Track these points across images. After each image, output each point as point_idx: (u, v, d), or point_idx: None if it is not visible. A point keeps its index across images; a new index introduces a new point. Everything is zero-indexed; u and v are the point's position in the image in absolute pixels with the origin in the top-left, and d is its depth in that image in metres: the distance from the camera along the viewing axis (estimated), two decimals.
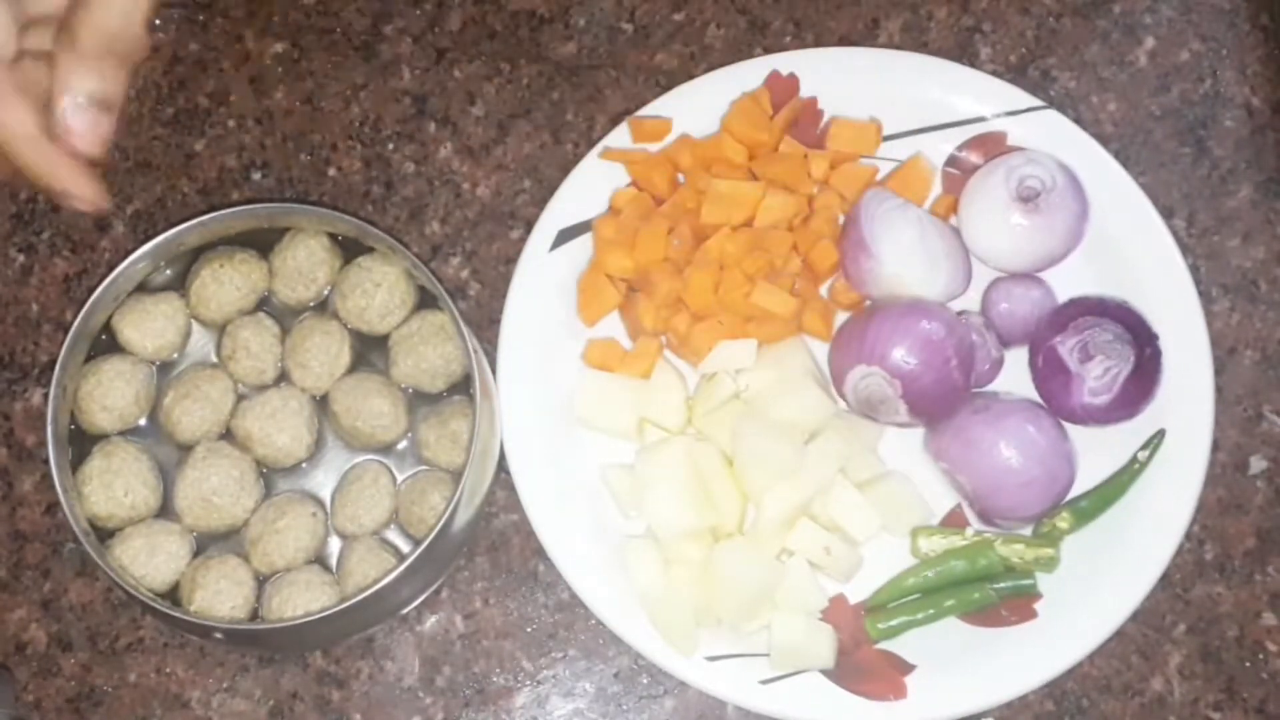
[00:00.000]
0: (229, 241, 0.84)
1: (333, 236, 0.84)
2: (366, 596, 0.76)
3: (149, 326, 0.82)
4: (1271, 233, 0.91)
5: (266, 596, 0.80)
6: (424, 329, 0.82)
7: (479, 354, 0.81)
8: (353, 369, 0.84)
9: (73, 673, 0.86)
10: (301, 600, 0.79)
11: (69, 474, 0.79)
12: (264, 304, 0.85)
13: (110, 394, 0.81)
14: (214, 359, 0.84)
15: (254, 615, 0.80)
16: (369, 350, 0.84)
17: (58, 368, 0.79)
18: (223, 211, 0.82)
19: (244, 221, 0.83)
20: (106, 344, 0.83)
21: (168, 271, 0.84)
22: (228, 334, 0.83)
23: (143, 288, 0.83)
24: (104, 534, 0.80)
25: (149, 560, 0.79)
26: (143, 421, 0.83)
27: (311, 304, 0.85)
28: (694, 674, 0.82)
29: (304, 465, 0.83)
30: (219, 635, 0.78)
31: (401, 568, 0.76)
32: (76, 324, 0.79)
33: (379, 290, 0.82)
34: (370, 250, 0.84)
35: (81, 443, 0.81)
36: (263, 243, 0.85)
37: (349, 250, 0.84)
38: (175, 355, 0.84)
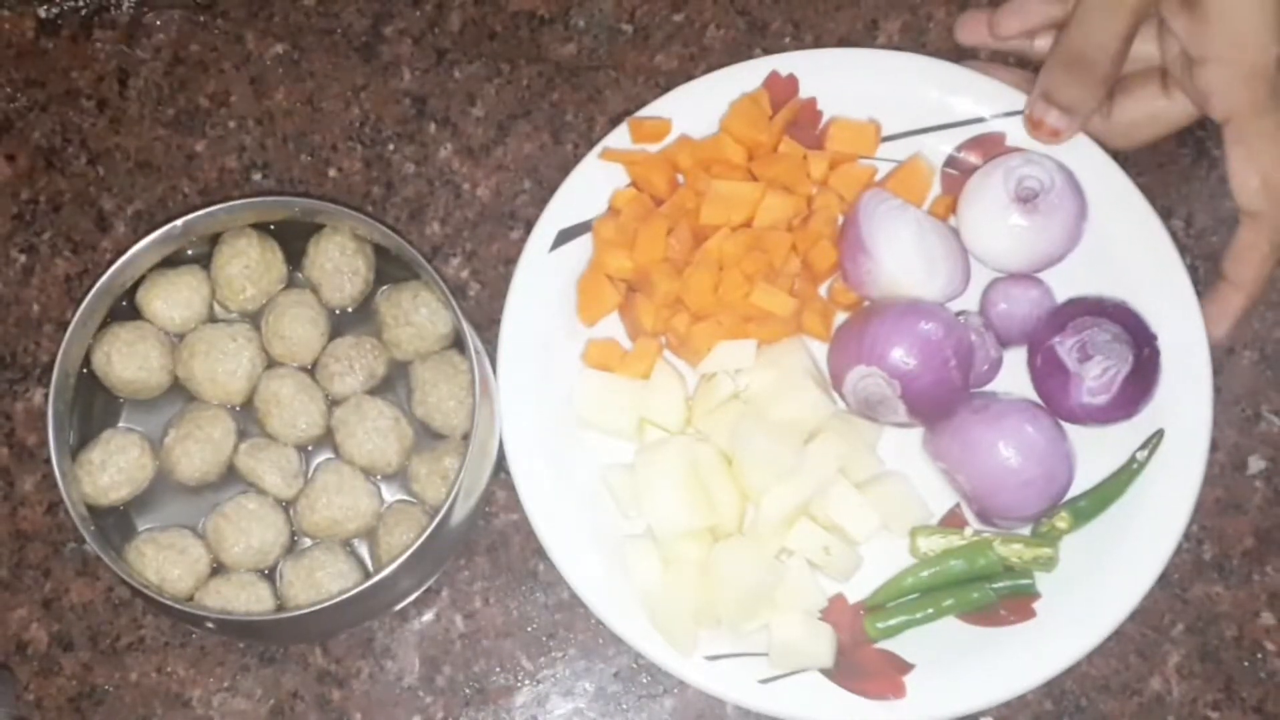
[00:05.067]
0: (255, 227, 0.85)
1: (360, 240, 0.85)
2: (363, 589, 0.76)
3: (175, 297, 0.83)
4: None
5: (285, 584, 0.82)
6: (445, 368, 0.83)
7: (480, 354, 0.81)
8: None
9: (74, 672, 0.86)
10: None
11: (68, 456, 0.80)
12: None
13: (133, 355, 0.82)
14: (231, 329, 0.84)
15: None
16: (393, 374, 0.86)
17: (71, 327, 0.80)
18: (263, 199, 0.84)
19: (274, 212, 0.84)
20: (126, 312, 0.84)
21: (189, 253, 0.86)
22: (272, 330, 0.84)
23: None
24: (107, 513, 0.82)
25: (167, 570, 0.80)
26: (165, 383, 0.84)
27: (347, 308, 0.86)
28: (693, 673, 0.82)
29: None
30: (210, 625, 0.79)
31: (400, 560, 0.76)
32: (100, 284, 0.81)
33: (425, 325, 0.83)
34: (411, 271, 0.84)
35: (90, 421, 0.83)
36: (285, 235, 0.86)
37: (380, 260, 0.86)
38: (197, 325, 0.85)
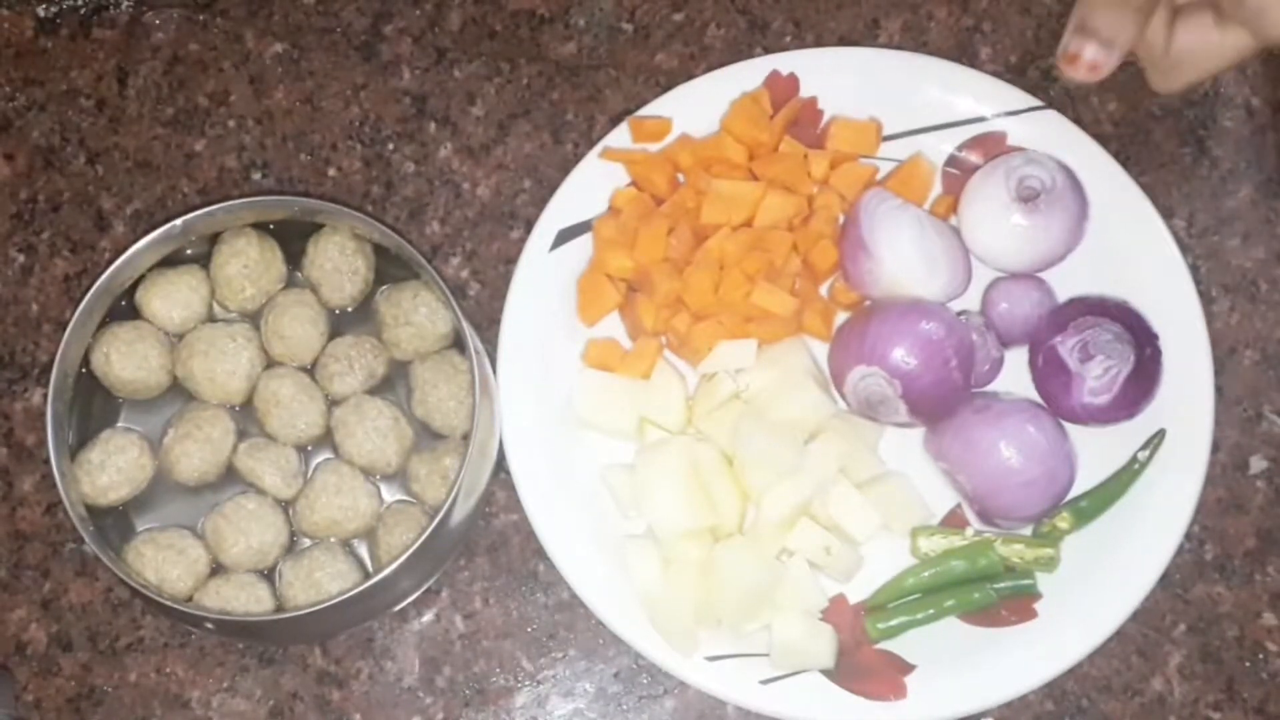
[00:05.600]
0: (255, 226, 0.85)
1: (360, 239, 0.85)
2: (363, 590, 0.76)
3: (174, 297, 0.83)
4: (1271, 233, 0.91)
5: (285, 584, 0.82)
6: (445, 368, 0.83)
7: (480, 354, 0.81)
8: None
9: (73, 673, 0.86)
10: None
11: (67, 456, 0.80)
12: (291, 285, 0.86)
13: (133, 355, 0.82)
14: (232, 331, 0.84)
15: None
16: (393, 372, 0.86)
17: (70, 327, 0.80)
18: (265, 198, 0.84)
19: (273, 212, 0.84)
20: (125, 312, 0.84)
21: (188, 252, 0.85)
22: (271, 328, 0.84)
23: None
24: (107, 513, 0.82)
25: (167, 570, 0.80)
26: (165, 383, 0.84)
27: (347, 308, 0.86)
28: (694, 674, 0.82)
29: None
30: (210, 626, 0.79)
31: (400, 561, 0.76)
32: (99, 284, 0.81)
33: (425, 325, 0.83)
34: (411, 271, 0.84)
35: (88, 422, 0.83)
36: (285, 234, 0.86)
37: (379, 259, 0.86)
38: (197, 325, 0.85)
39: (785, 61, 0.89)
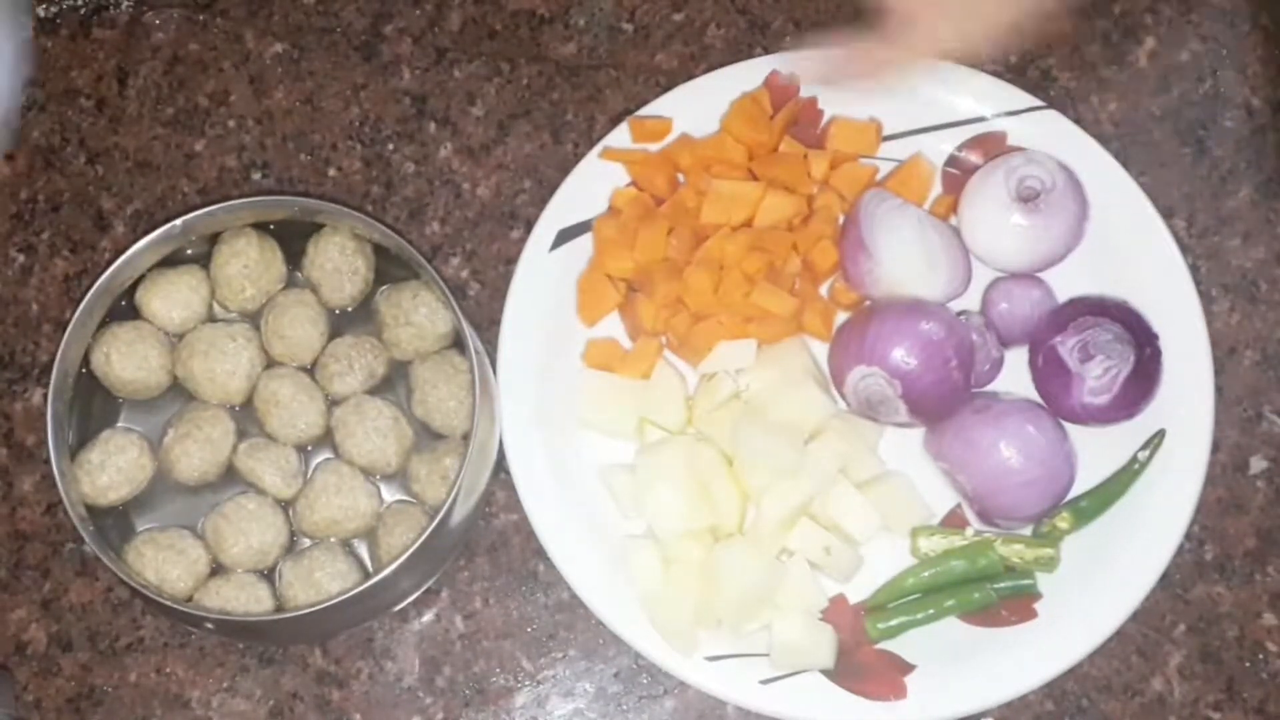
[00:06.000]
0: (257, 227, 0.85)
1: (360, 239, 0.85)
2: (363, 590, 0.76)
3: (174, 297, 0.83)
4: (1271, 233, 0.91)
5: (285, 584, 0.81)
6: (445, 368, 0.83)
7: (480, 354, 0.81)
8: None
9: (73, 673, 0.86)
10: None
11: (67, 456, 0.80)
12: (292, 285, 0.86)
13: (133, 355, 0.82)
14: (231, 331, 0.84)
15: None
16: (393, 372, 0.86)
17: (70, 327, 0.80)
18: (267, 198, 0.84)
19: (273, 212, 0.84)
20: (125, 312, 0.84)
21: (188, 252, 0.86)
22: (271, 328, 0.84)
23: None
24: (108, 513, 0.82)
25: (167, 570, 0.80)
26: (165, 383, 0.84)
27: (347, 308, 0.86)
28: (694, 674, 0.82)
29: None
30: (210, 626, 0.79)
31: (400, 561, 0.76)
32: (99, 284, 0.81)
33: (425, 325, 0.83)
34: (411, 271, 0.84)
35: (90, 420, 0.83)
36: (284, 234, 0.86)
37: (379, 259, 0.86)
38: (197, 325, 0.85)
39: (785, 61, 0.89)
